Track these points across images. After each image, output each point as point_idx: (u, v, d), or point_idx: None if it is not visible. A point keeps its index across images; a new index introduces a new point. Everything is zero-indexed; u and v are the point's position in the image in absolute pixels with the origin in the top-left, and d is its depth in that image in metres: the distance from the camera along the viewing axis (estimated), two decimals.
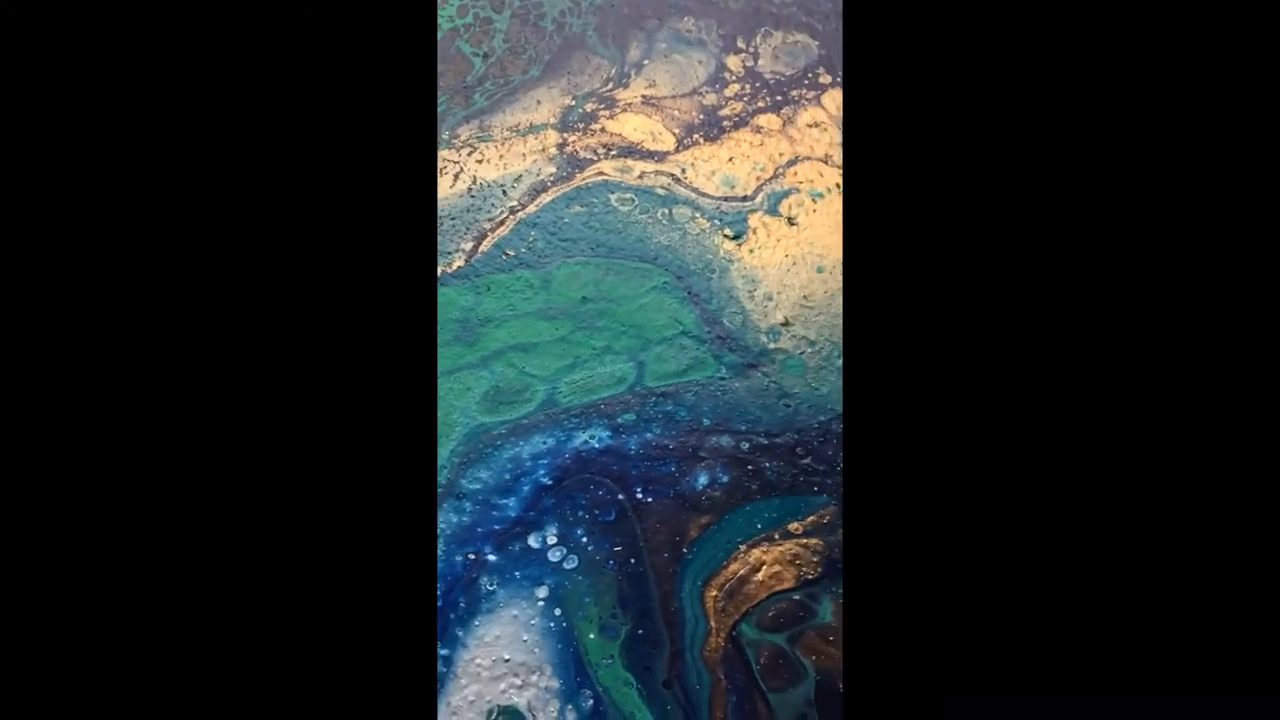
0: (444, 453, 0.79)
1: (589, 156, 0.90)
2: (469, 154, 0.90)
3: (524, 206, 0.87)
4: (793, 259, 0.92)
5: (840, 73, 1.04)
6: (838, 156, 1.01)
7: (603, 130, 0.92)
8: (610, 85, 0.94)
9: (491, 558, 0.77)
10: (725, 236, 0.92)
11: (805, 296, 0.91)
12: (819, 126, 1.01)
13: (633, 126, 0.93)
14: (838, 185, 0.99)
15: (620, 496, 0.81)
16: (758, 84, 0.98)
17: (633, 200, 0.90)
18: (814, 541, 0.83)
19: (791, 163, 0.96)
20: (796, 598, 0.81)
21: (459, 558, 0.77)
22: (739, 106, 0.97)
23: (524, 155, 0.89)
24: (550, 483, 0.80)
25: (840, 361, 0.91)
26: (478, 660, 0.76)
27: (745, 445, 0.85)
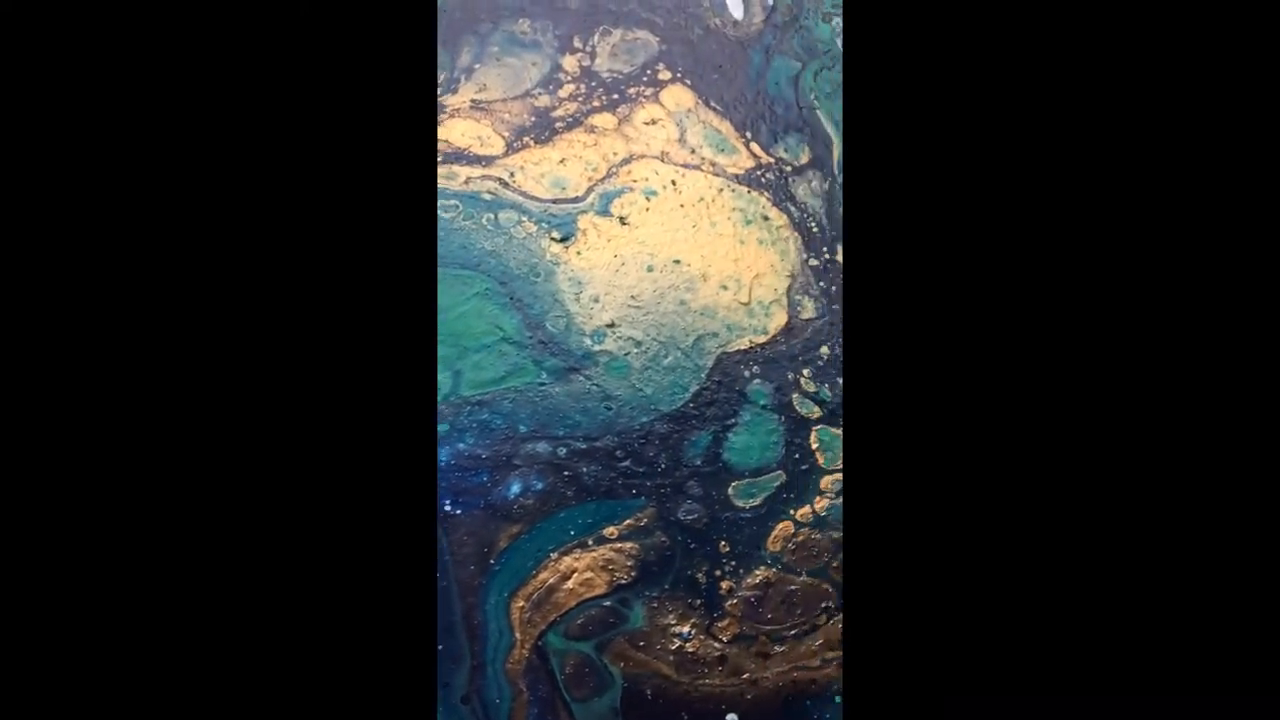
0: None
1: None
2: None
3: None
4: (622, 259, 0.86)
5: (677, 69, 0.96)
6: (675, 153, 0.94)
7: None
8: (439, 91, 0.87)
9: None
10: (552, 239, 0.86)
11: (633, 297, 0.85)
12: (656, 124, 0.94)
13: (460, 132, 0.87)
14: (673, 182, 0.92)
15: None
16: (594, 83, 0.91)
17: (457, 206, 0.84)
18: (629, 545, 0.77)
19: (626, 161, 0.89)
20: (607, 604, 0.75)
21: None
22: (573, 107, 0.90)
23: None
24: None
25: (667, 359, 0.84)
26: None
27: (562, 451, 0.79)
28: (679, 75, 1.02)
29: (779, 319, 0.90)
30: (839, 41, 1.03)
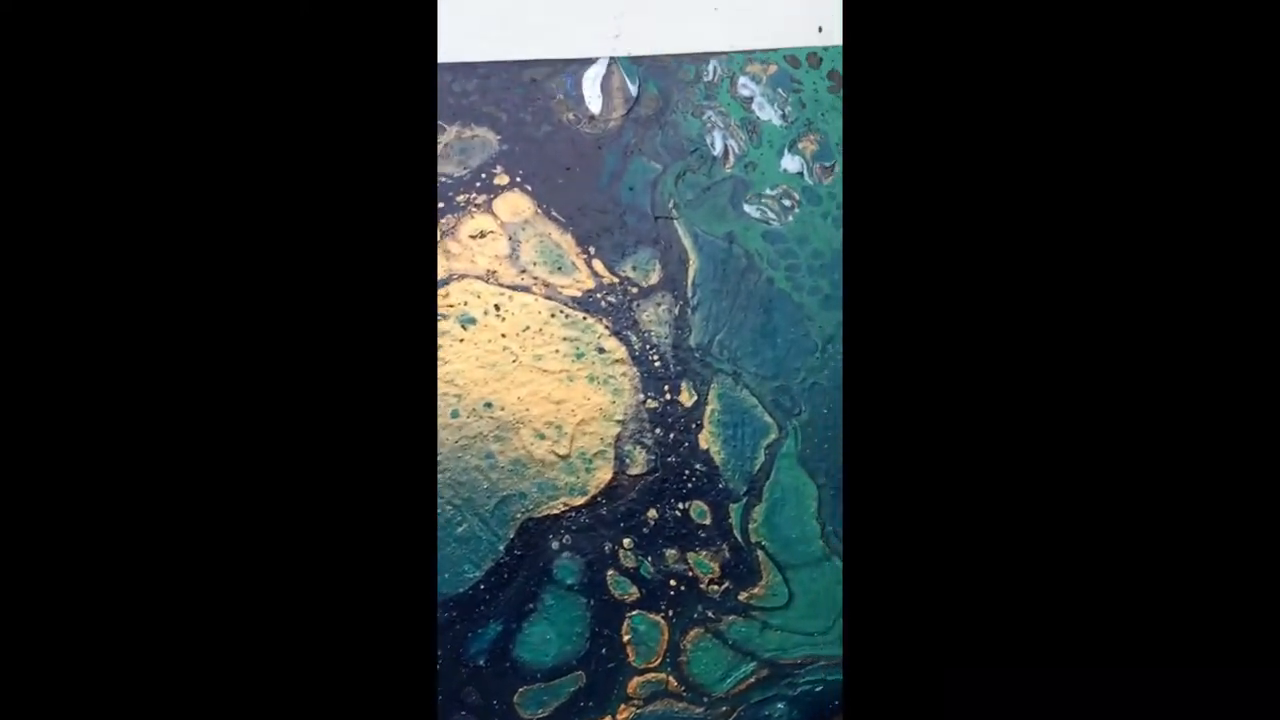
0: None
1: None
2: None
3: None
4: None
5: (518, 172, 0.76)
6: (503, 272, 0.73)
7: None
8: None
9: None
10: None
11: None
12: (485, 237, 0.74)
13: None
14: (497, 307, 0.72)
15: None
16: None
17: None
18: None
19: (444, 282, 0.68)
20: None
21: None
22: None
23: None
24: None
25: (460, 528, 0.64)
26: None
27: None
28: (518, 179, 0.80)
29: (602, 475, 0.69)
30: (711, 140, 0.81)
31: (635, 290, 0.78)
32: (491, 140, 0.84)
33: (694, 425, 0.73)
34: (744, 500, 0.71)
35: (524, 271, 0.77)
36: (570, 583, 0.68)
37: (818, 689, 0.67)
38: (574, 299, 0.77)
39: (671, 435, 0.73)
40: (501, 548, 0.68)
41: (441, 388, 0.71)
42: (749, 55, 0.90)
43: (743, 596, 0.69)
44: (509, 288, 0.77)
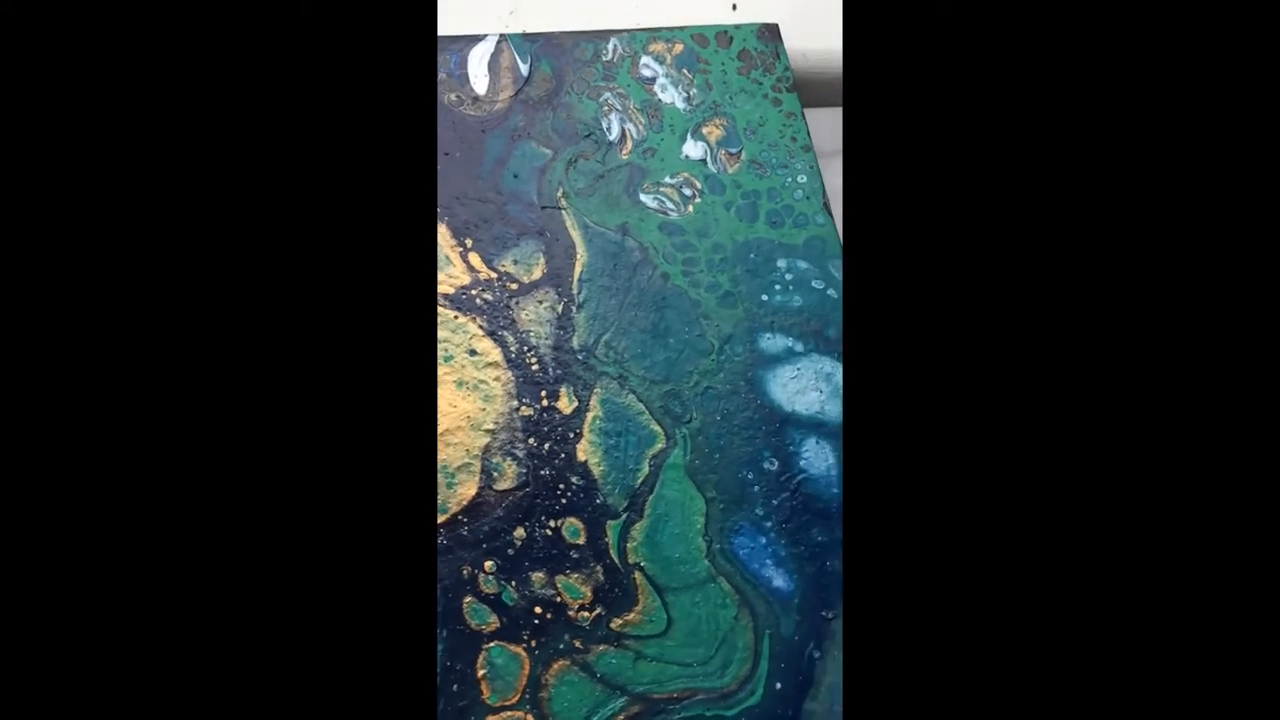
0: None
1: None
2: None
3: None
4: None
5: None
6: None
7: None
8: None
9: None
10: None
11: None
12: None
13: None
14: None
15: None
16: None
17: None
18: None
19: None
20: None
21: None
22: None
23: None
24: None
25: None
26: None
27: None
28: None
29: (465, 491, 0.60)
30: (607, 124, 0.72)
31: (515, 286, 0.69)
32: None
33: (572, 434, 0.64)
34: (623, 517, 0.62)
35: None
36: None
37: None
38: (446, 296, 0.68)
39: (546, 445, 0.64)
40: None
41: None
42: (653, 33, 0.81)
43: (615, 624, 0.60)
44: None
